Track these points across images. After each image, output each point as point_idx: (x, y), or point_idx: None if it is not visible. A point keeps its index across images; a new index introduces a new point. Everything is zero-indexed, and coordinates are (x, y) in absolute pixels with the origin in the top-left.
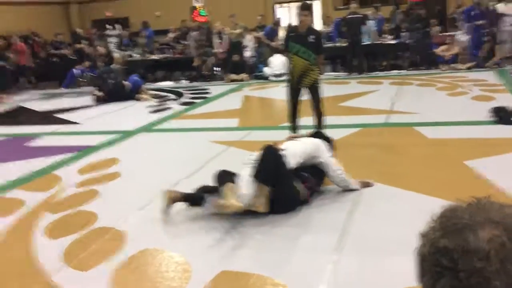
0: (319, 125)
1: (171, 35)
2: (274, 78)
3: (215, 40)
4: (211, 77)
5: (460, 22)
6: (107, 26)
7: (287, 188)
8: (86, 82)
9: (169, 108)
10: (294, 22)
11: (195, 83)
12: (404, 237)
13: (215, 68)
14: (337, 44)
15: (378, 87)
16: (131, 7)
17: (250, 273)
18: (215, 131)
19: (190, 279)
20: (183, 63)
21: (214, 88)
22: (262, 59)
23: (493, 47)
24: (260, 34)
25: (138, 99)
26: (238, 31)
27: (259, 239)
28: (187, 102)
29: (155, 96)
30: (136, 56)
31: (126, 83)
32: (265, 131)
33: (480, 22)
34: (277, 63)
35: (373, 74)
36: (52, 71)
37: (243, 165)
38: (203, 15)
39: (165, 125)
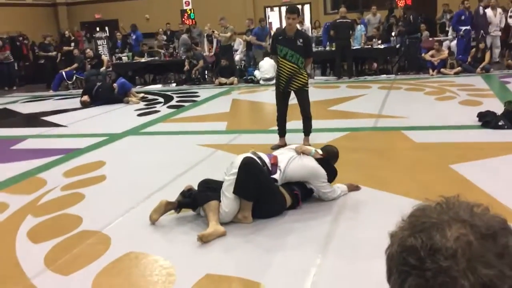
0: (307, 129)
1: (159, 37)
2: (263, 82)
3: (205, 43)
4: (200, 81)
5: (449, 26)
6: (97, 29)
7: (272, 197)
8: (75, 85)
9: (157, 111)
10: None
11: (184, 86)
12: (388, 241)
13: (204, 72)
14: (327, 48)
15: (367, 91)
16: (120, 9)
17: (234, 277)
18: (203, 134)
19: (174, 282)
20: (172, 66)
21: (203, 92)
22: (252, 62)
23: (483, 52)
24: (250, 37)
25: (126, 102)
26: (228, 34)
27: (243, 243)
28: (175, 105)
29: (143, 99)
30: (125, 59)
31: (114, 85)
32: (253, 135)
33: (469, 27)
34: (267, 66)
35: (362, 78)
36: (40, 73)
37: (225, 176)
38: (192, 18)
39: (152, 128)
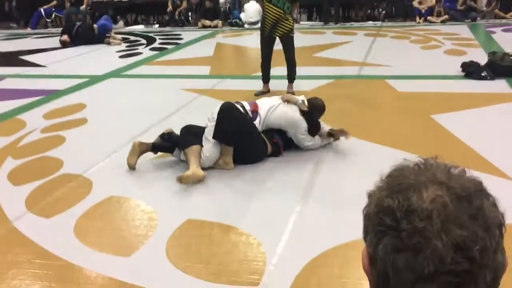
0: (291, 75)
1: None
2: (248, 26)
3: None
4: (183, 23)
5: None
6: None
7: (253, 142)
8: (54, 23)
9: (139, 53)
10: None
11: (167, 28)
12: (366, 190)
13: (188, 13)
14: None
15: (353, 38)
16: None
17: (215, 222)
18: (187, 78)
19: (156, 227)
20: (156, 7)
21: (186, 34)
22: (237, 5)
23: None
24: None
25: (107, 43)
26: None
27: (225, 189)
28: (158, 48)
29: (125, 40)
30: None
31: (94, 26)
32: (237, 80)
33: None
34: (252, 10)
35: (348, 24)
36: (17, 10)
37: (208, 122)
38: None
39: (135, 71)
